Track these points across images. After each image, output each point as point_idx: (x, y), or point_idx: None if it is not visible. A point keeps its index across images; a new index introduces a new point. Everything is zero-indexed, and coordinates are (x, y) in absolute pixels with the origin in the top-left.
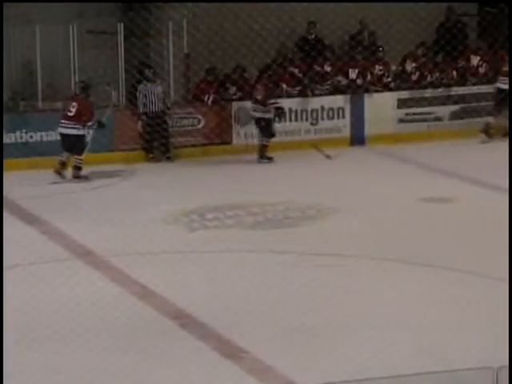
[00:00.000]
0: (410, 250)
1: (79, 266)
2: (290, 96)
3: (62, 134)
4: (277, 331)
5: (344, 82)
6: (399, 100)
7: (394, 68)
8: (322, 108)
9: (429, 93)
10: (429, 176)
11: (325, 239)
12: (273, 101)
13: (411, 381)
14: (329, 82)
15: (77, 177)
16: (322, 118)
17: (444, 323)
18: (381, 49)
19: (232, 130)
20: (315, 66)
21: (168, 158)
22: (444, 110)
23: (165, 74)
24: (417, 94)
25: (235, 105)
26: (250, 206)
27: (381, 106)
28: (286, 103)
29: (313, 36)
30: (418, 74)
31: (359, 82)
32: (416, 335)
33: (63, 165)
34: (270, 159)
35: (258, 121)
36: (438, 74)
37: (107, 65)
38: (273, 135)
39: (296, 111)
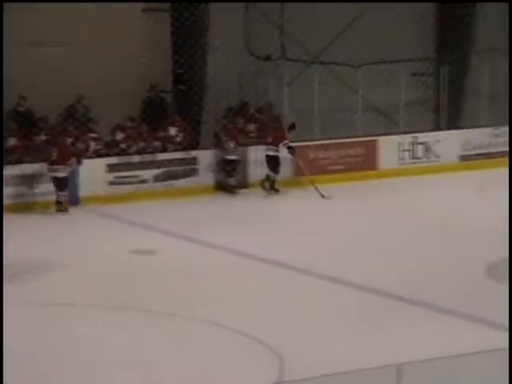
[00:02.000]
0: (127, 296)
1: None
2: None
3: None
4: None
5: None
6: (109, 165)
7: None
8: None
9: (135, 159)
10: (136, 232)
11: (54, 291)
12: None
13: None
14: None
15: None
16: None
17: (163, 361)
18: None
19: None
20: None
21: None
22: (148, 174)
23: None
24: (125, 159)
25: None
26: None
27: (92, 171)
28: None
29: (24, 109)
30: (126, 142)
31: (72, 149)
32: (143, 372)
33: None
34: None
35: None
36: (142, 142)
37: None
38: None
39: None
